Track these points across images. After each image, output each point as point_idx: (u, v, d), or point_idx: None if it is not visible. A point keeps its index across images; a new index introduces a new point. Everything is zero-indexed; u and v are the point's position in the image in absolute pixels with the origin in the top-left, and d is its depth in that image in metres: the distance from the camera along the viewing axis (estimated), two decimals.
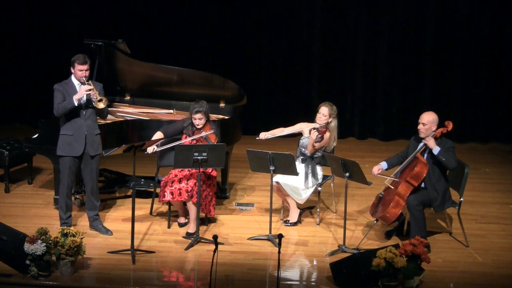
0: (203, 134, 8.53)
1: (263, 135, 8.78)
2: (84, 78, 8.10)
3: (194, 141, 8.56)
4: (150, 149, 8.39)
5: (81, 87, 8.12)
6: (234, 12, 12.41)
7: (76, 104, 8.07)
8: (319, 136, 8.52)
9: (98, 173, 8.48)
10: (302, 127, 8.88)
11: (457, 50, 12.32)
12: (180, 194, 8.35)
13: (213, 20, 12.41)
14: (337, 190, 9.30)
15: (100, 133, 8.34)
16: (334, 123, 8.74)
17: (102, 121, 8.70)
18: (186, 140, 8.52)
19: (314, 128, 8.61)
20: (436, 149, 8.05)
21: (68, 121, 8.17)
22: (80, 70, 8.10)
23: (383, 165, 8.37)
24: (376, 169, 8.33)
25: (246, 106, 9.90)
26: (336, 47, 12.49)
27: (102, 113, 8.28)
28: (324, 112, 8.69)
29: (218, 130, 8.78)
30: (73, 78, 8.20)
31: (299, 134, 9.00)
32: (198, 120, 8.56)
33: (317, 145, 8.58)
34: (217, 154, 8.19)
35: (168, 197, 8.40)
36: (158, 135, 8.69)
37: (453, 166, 8.09)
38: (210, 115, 8.96)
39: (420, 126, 8.16)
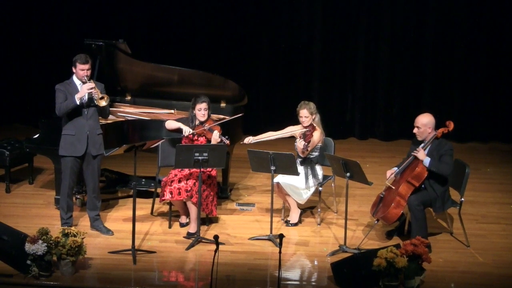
0: (207, 126, 8.50)
1: (248, 140, 8.74)
2: (86, 78, 8.08)
3: (196, 137, 8.54)
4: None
5: (82, 85, 8.11)
6: (234, 12, 12.41)
7: (78, 102, 8.06)
8: (306, 144, 8.50)
9: (100, 173, 8.47)
10: (292, 130, 8.83)
11: (457, 50, 12.33)
12: (179, 193, 8.34)
13: (213, 20, 12.41)
14: (338, 190, 9.30)
15: (102, 133, 8.33)
16: (317, 118, 8.72)
17: (103, 121, 8.69)
18: (188, 131, 8.49)
19: (300, 137, 8.57)
20: (426, 161, 7.97)
21: (70, 120, 8.16)
22: (81, 70, 8.09)
23: (395, 169, 8.31)
24: (389, 173, 8.28)
25: (247, 106, 9.89)
26: (336, 47, 12.49)
27: (104, 112, 8.27)
28: (305, 114, 8.64)
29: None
30: (74, 78, 8.19)
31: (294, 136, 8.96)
32: (204, 110, 8.50)
33: (309, 148, 8.56)
34: (218, 154, 8.18)
35: (167, 196, 8.39)
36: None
37: (447, 173, 8.02)
38: (211, 115, 8.95)
39: (415, 130, 8.11)
